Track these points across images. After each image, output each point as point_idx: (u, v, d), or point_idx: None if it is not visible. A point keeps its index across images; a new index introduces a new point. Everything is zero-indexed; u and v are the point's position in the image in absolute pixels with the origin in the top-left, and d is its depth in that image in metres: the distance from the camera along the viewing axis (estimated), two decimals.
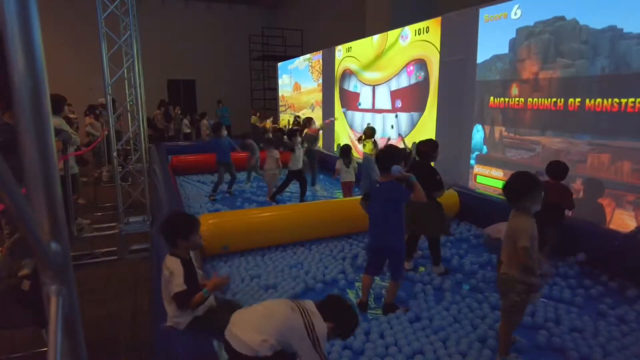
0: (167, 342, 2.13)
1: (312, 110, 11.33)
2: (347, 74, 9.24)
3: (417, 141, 4.11)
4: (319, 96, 10.83)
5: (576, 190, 4.42)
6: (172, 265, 2.19)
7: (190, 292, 2.16)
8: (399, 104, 7.49)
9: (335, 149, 9.77)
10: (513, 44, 5.13)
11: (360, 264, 3.99)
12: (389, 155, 3.02)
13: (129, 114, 5.91)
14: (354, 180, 5.96)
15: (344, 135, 9.56)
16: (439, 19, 6.36)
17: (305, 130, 7.39)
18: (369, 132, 6.28)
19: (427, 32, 6.61)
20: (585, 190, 4.38)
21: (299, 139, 6.15)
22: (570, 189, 3.76)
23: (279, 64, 14.14)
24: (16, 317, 2.45)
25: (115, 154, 4.95)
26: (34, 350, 2.65)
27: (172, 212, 2.58)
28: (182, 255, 2.25)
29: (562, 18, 4.52)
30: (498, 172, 5.47)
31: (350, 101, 9.17)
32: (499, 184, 4.59)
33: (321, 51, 10.55)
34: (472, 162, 5.91)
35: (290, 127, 9.76)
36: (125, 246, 4.48)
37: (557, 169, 3.68)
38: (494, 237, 3.34)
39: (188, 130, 13.04)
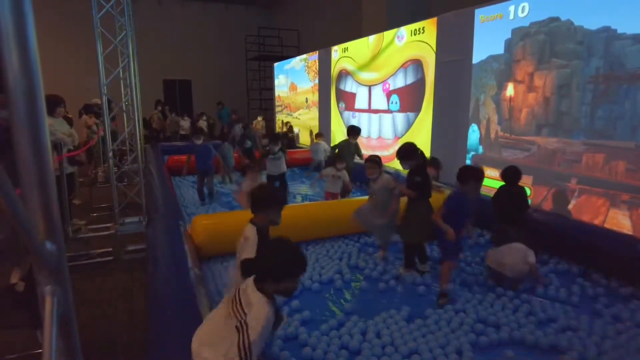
0: (163, 343, 2.13)
1: (309, 110, 11.33)
2: (343, 74, 9.25)
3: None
4: (315, 96, 10.84)
5: (572, 191, 4.45)
6: (248, 232, 2.31)
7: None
8: (394, 104, 7.50)
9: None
10: (509, 44, 5.15)
11: (355, 264, 3.99)
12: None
13: (124, 114, 5.90)
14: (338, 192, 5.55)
15: (339, 135, 9.56)
16: (434, 19, 6.37)
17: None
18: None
19: (422, 32, 6.63)
20: (552, 201, 4.48)
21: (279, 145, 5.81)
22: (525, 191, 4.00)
23: (275, 64, 14.13)
24: (11, 318, 2.44)
25: (111, 154, 4.94)
26: (31, 351, 2.64)
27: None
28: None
29: (557, 19, 4.55)
30: (494, 172, 5.49)
31: (348, 101, 9.17)
32: (495, 184, 4.60)
33: (317, 51, 10.55)
34: (467, 162, 5.93)
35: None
36: (121, 247, 4.46)
37: (515, 173, 3.87)
38: (496, 270, 3.47)
39: (184, 132, 12.97)
